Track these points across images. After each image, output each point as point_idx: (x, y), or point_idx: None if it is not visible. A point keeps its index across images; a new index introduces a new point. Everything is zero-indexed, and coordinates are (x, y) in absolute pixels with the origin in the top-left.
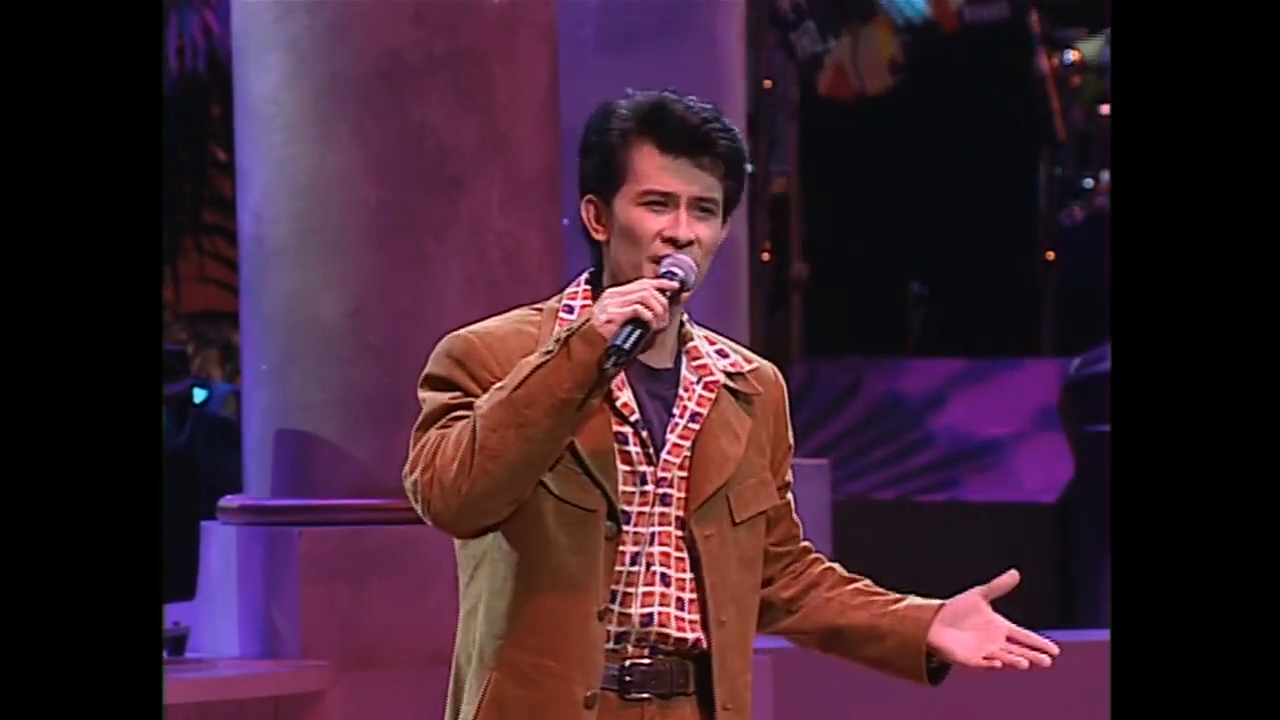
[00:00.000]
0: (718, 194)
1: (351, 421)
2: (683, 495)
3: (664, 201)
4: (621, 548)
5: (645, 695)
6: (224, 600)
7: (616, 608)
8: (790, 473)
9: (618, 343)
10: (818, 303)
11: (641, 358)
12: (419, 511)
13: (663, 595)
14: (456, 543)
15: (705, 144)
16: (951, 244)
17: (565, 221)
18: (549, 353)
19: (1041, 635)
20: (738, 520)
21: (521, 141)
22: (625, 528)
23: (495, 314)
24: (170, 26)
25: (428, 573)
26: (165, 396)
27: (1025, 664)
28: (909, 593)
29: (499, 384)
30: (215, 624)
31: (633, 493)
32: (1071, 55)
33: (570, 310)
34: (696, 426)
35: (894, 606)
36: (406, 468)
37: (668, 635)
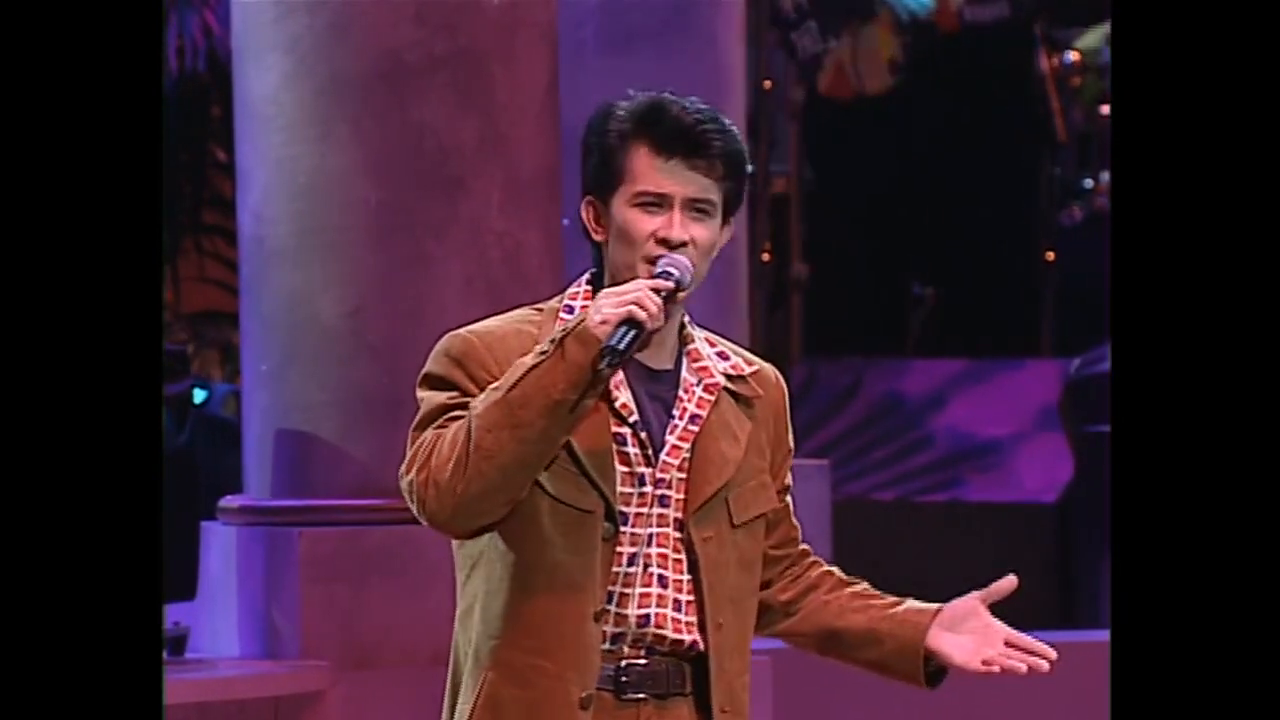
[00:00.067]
0: (714, 195)
1: (351, 421)
2: (681, 497)
3: (658, 202)
4: (619, 548)
5: (641, 695)
6: (224, 600)
7: (613, 608)
8: (790, 476)
9: (612, 343)
10: (818, 303)
11: (641, 359)
12: (415, 512)
13: (660, 596)
14: (454, 542)
15: (699, 145)
16: (952, 244)
17: (565, 222)
18: (544, 353)
19: (1041, 635)
20: (736, 523)
21: (521, 141)
22: (623, 528)
23: (495, 314)
24: (170, 26)
25: (428, 573)
26: (165, 397)
27: (1024, 669)
28: (909, 593)
29: (494, 384)
30: (215, 624)
31: (631, 494)
32: (1071, 55)
33: (571, 310)
34: (696, 428)
35: (892, 610)
36: (403, 468)
37: (664, 636)
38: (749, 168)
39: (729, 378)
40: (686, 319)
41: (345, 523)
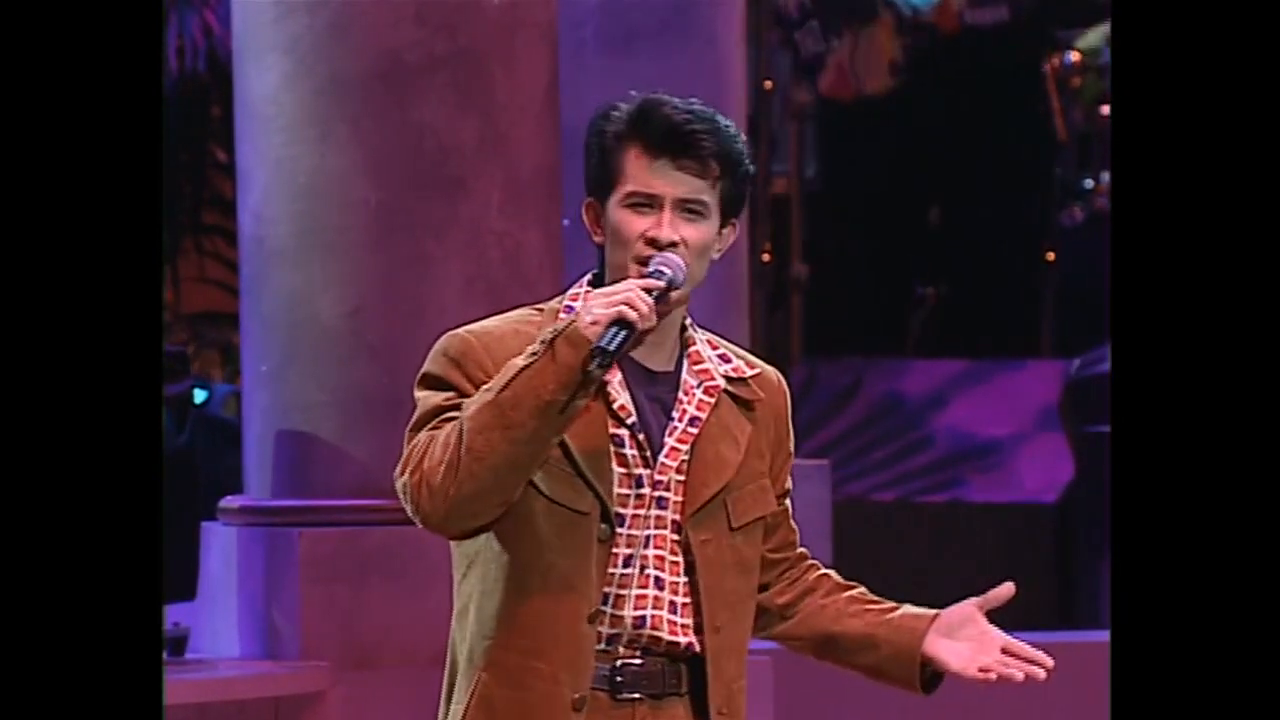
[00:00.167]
0: (706, 196)
1: (351, 422)
2: (679, 499)
3: (648, 203)
4: (615, 550)
5: (636, 695)
6: (224, 601)
7: (609, 609)
8: (790, 479)
9: (602, 344)
10: (818, 303)
11: (641, 361)
12: (409, 513)
13: (655, 598)
14: (451, 542)
15: (688, 145)
16: (952, 244)
17: (565, 222)
18: (535, 354)
19: (1041, 635)
20: (735, 525)
21: (521, 141)
22: (619, 530)
23: (495, 314)
24: (170, 27)
25: (428, 573)
26: (165, 397)
27: (1020, 677)
28: (910, 593)
29: (487, 385)
30: (215, 625)
31: (628, 495)
32: (1072, 55)
33: (571, 311)
34: (695, 431)
35: (889, 615)
36: (397, 469)
37: (659, 638)
38: (749, 168)
39: (730, 380)
40: (688, 321)
41: (345, 523)
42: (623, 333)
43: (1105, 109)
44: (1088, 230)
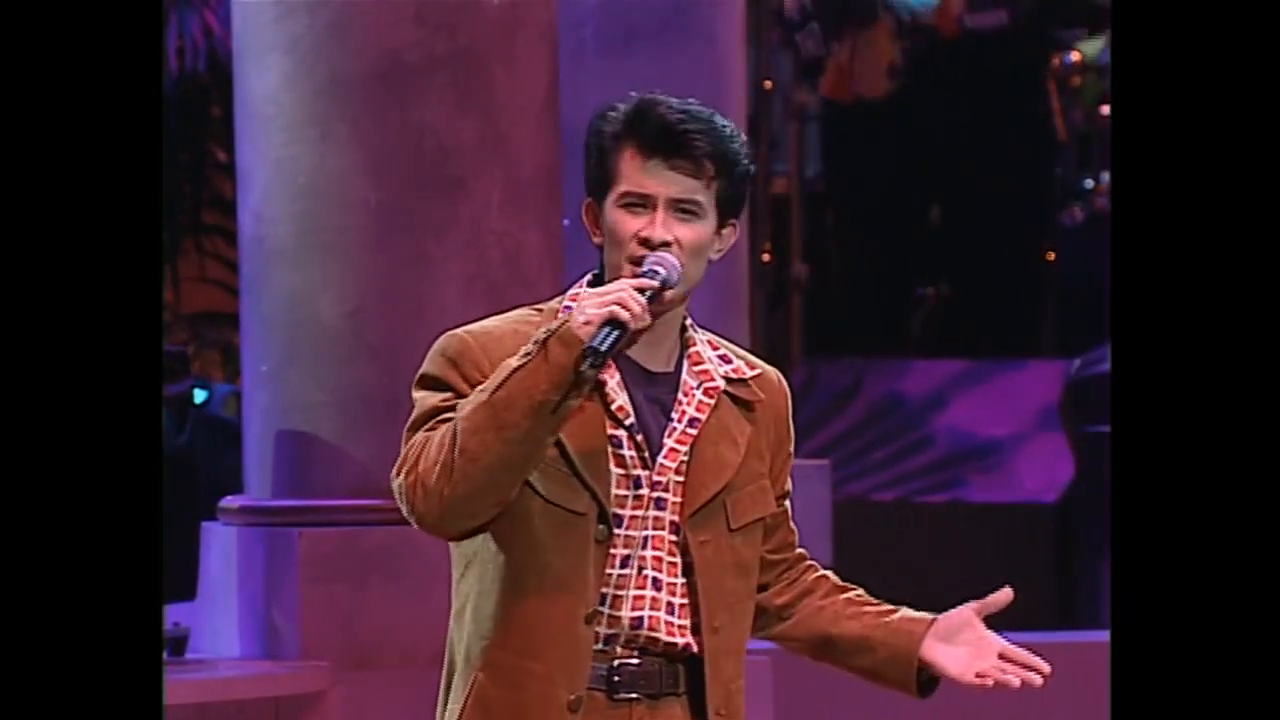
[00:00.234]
0: (700, 195)
1: (351, 422)
2: (678, 500)
3: (641, 203)
4: (612, 550)
5: (634, 695)
6: (224, 601)
7: (606, 610)
8: (790, 481)
9: (594, 344)
10: (818, 303)
11: (641, 361)
12: (405, 514)
13: (653, 599)
14: (450, 542)
15: (681, 145)
16: (952, 244)
17: (565, 222)
18: (528, 355)
19: (1041, 635)
20: (734, 527)
21: (521, 141)
22: (617, 531)
23: (495, 314)
24: (170, 27)
25: (428, 573)
26: (165, 397)
27: (1017, 683)
28: (909, 592)
29: (481, 386)
30: (215, 625)
31: (626, 496)
32: (1072, 56)
33: (570, 311)
34: (694, 432)
35: (887, 618)
36: (394, 470)
37: (657, 639)
38: (747, 168)
39: (730, 381)
40: (688, 321)
41: (345, 523)
42: (615, 333)
43: (1105, 109)
44: (1088, 230)
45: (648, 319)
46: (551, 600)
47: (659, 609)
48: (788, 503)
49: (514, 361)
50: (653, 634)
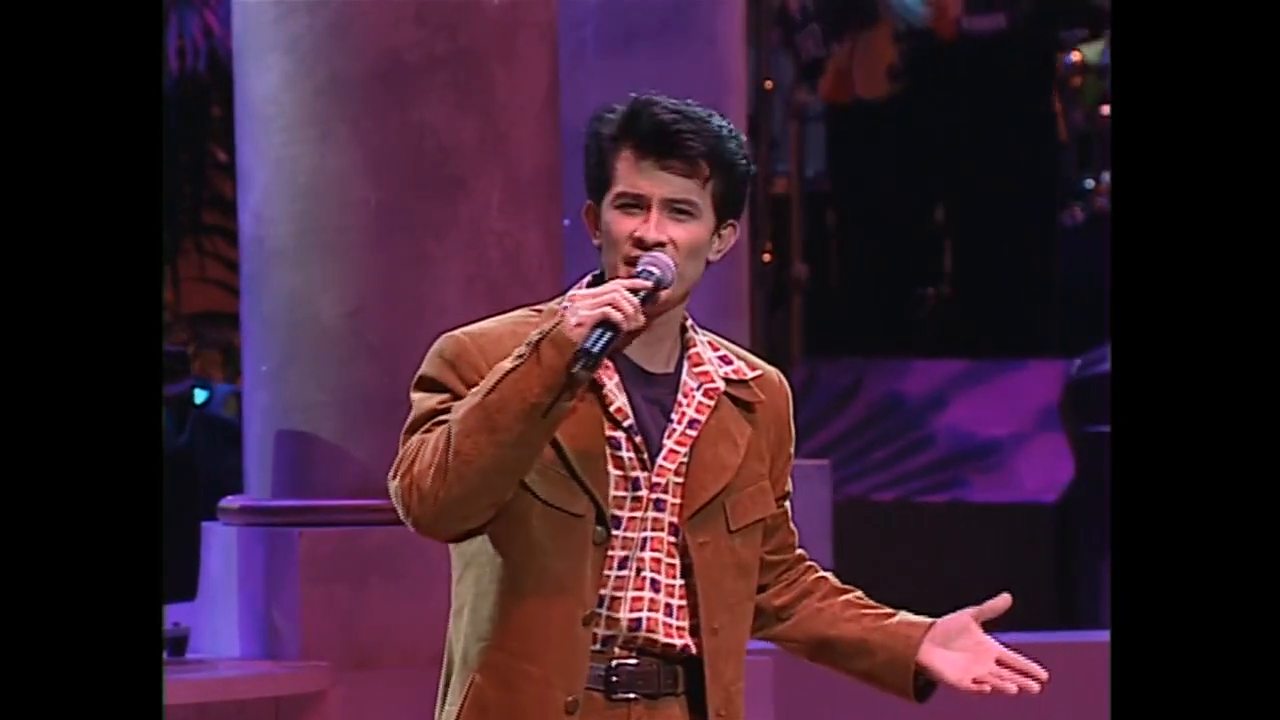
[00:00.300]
0: (694, 196)
1: (351, 422)
2: (677, 502)
3: (636, 203)
4: (610, 552)
5: (632, 695)
6: (224, 601)
7: (604, 612)
8: (790, 481)
9: (586, 346)
10: (818, 303)
11: (640, 363)
12: (401, 516)
13: (651, 601)
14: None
15: (673, 146)
16: (953, 244)
17: (565, 222)
18: (521, 357)
19: (1041, 635)
20: (733, 528)
21: (521, 141)
22: (615, 532)
23: (496, 314)
24: (171, 27)
25: (428, 573)
26: (166, 397)
27: (1014, 690)
28: (909, 592)
29: (475, 388)
30: (215, 625)
31: (624, 498)
32: (1073, 56)
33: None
34: (694, 433)
35: (885, 622)
36: (390, 473)
37: (655, 640)
38: (745, 168)
39: (730, 382)
40: (689, 322)
41: (345, 523)
42: (607, 334)
43: (1106, 109)
44: (1088, 230)
45: (641, 320)
46: (549, 602)
47: (657, 610)
48: (788, 503)
49: (507, 364)
50: (651, 635)
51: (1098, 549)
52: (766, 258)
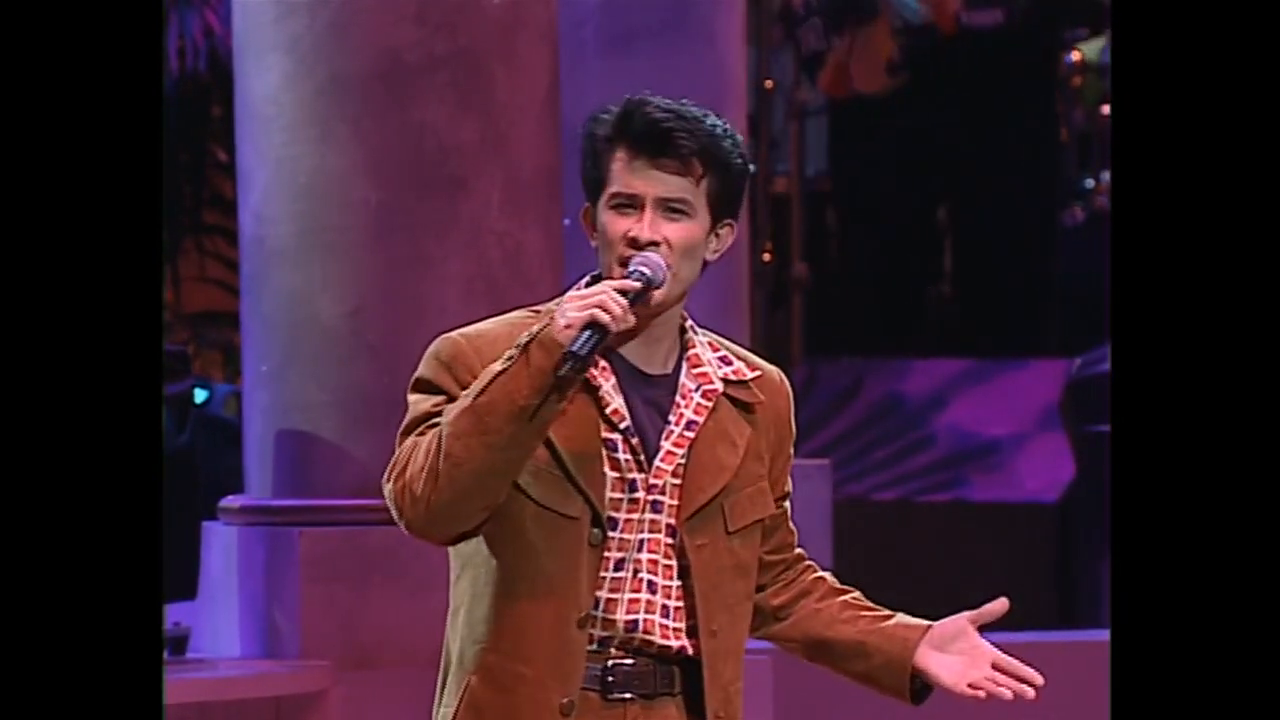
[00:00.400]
0: (688, 195)
1: (351, 421)
2: (675, 503)
3: (630, 203)
4: (606, 554)
5: (628, 695)
6: (225, 600)
7: (600, 613)
8: (790, 481)
9: (573, 348)
10: (818, 303)
11: (638, 364)
12: (395, 518)
13: (648, 603)
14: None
15: (666, 145)
16: (953, 244)
17: (566, 222)
18: (511, 359)
19: (1041, 635)
20: (732, 529)
21: (521, 141)
22: (611, 534)
23: (496, 314)
24: (171, 27)
25: (429, 573)
26: (166, 397)
27: (1009, 695)
28: (910, 591)
29: (466, 390)
30: (216, 624)
31: (621, 499)
32: (1073, 55)
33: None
34: (691, 435)
35: (882, 624)
36: (384, 475)
37: (652, 642)
38: (741, 167)
39: (729, 383)
40: (688, 323)
41: (346, 522)
42: (594, 336)
43: (1106, 109)
44: (1088, 230)
45: (631, 320)
46: (543, 604)
47: (654, 612)
48: (787, 503)
49: (497, 366)
50: (647, 637)
51: (1098, 549)
52: (766, 257)
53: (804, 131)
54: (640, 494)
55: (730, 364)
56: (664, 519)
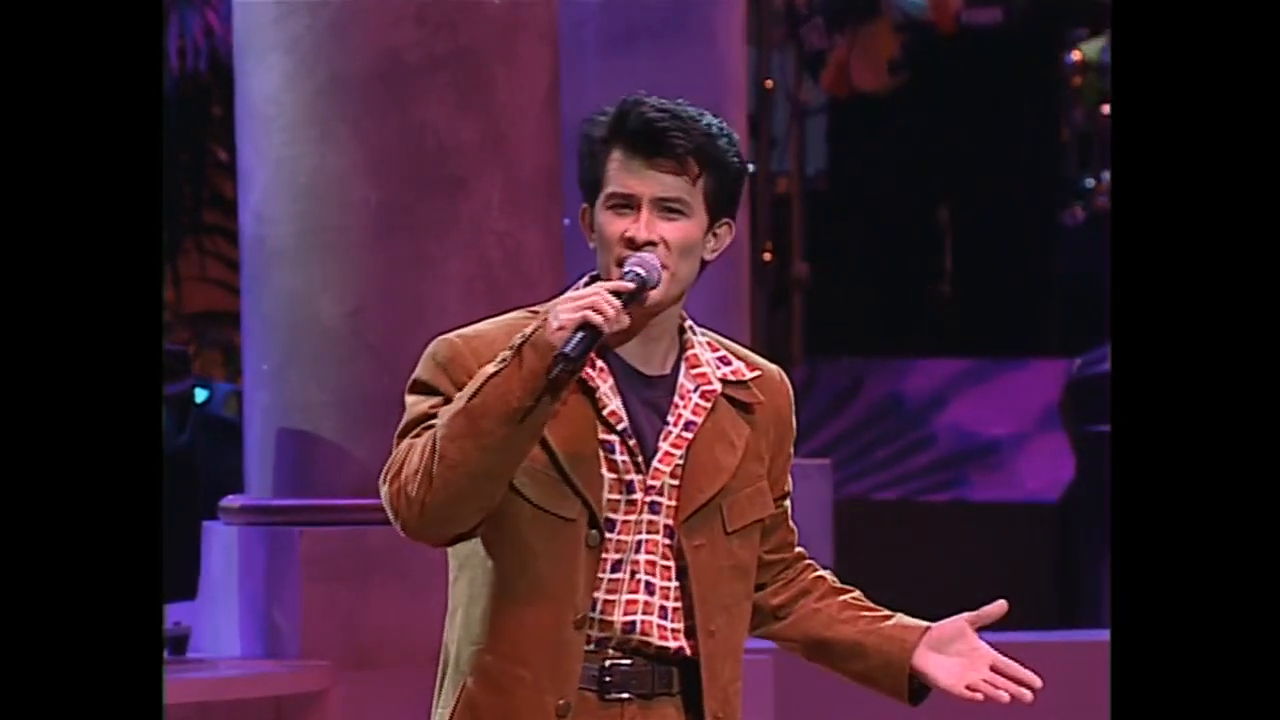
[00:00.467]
0: (684, 194)
1: (351, 421)
2: (673, 504)
3: (626, 203)
4: (604, 555)
5: (625, 695)
6: (225, 600)
7: (597, 615)
8: (790, 481)
9: (565, 350)
10: (818, 303)
11: (636, 365)
12: (391, 520)
13: (646, 604)
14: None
15: (661, 145)
16: (954, 243)
17: (566, 222)
18: (504, 361)
19: (1041, 635)
20: (730, 530)
21: (521, 141)
22: (609, 536)
23: (496, 314)
24: (171, 26)
25: (429, 573)
26: (166, 397)
27: (1006, 698)
28: (910, 591)
29: (460, 392)
30: (216, 624)
31: (618, 500)
32: (1073, 55)
33: None
34: (690, 435)
35: (881, 624)
36: (380, 477)
37: (649, 643)
38: (739, 166)
39: (729, 383)
40: (688, 324)
41: (346, 522)
42: (587, 337)
43: (1106, 109)
44: (1088, 230)
45: (625, 321)
46: (540, 606)
47: (651, 613)
48: (787, 502)
49: (490, 368)
50: (645, 637)
51: (1098, 549)
52: (767, 257)
53: (804, 131)
54: (638, 495)
55: (730, 364)
56: (662, 520)
